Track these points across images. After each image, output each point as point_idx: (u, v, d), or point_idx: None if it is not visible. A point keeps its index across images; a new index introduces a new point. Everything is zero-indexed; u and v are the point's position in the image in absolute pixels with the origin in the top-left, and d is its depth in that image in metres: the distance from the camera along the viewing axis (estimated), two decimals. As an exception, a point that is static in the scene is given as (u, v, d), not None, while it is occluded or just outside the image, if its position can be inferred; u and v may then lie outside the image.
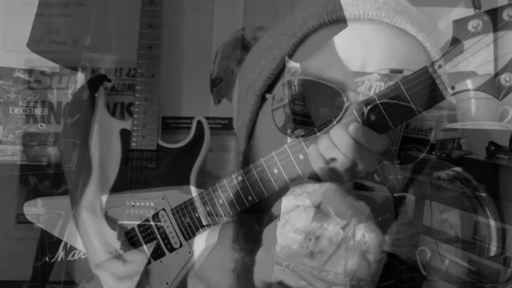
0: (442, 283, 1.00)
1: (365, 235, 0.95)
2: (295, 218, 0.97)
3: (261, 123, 1.13)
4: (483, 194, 1.01)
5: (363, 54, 1.02)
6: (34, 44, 1.59)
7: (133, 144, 1.57)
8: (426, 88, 0.86)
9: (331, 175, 0.95)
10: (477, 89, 0.83)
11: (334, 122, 0.96)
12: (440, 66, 0.85)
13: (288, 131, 1.03)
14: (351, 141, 0.92)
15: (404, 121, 0.94)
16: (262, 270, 1.04)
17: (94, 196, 1.40)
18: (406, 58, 1.02)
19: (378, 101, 0.88)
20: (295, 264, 0.97)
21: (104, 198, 1.30)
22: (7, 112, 1.59)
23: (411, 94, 0.86)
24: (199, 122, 1.60)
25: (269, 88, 1.12)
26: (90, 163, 1.51)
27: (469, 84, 0.84)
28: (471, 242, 0.98)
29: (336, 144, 0.94)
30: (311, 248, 0.96)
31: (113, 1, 1.65)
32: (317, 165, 0.96)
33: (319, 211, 0.96)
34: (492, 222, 0.96)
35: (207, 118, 1.61)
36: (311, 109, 1.04)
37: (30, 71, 1.61)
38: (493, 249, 0.94)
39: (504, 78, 0.81)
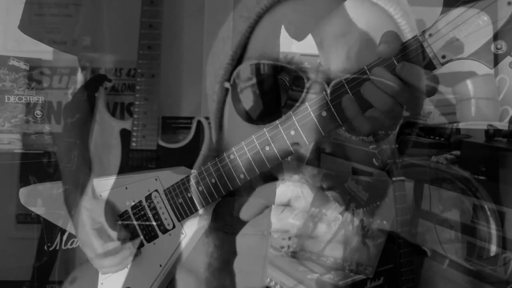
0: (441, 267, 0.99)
1: (363, 220, 0.95)
2: (294, 204, 0.96)
3: (226, 113, 1.12)
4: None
5: (319, 30, 1.00)
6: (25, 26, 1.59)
7: (133, 144, 1.56)
8: (417, 57, 0.85)
9: (372, 123, 0.90)
10: (468, 57, 0.83)
11: (297, 104, 0.95)
12: (430, 35, 0.84)
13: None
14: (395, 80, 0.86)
15: None
16: None
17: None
18: (367, 28, 1.00)
19: (369, 74, 0.87)
20: (294, 249, 0.96)
21: (97, 181, 1.30)
22: (3, 100, 1.59)
23: None
24: (199, 122, 1.60)
25: (231, 75, 1.10)
26: (90, 163, 1.51)
27: (461, 54, 0.83)
28: (470, 225, 0.97)
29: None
30: (310, 233, 0.96)
31: (113, 1, 1.65)
32: (353, 114, 0.91)
33: (318, 196, 0.95)
34: (490, 206, 0.96)
35: (207, 118, 1.61)
36: (274, 92, 1.02)
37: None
38: (493, 234, 0.94)
39: (495, 45, 0.81)
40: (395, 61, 0.84)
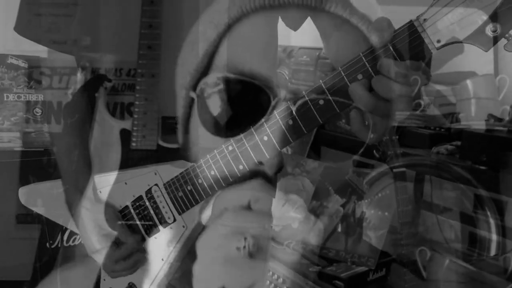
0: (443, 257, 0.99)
1: (365, 212, 0.95)
2: (295, 197, 0.96)
3: (192, 121, 1.12)
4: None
5: (319, 18, 0.99)
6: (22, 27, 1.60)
7: (133, 144, 1.56)
8: (412, 42, 0.86)
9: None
10: (463, 41, 0.83)
11: (263, 121, 0.96)
12: (425, 20, 0.85)
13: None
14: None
15: None
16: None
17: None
18: (339, 43, 0.99)
19: (364, 60, 0.87)
20: (296, 243, 0.96)
21: (97, 177, 1.30)
22: (2, 99, 1.60)
23: (398, 50, 0.85)
24: (199, 122, 1.59)
25: (197, 83, 1.08)
26: (90, 164, 1.51)
27: (456, 37, 0.83)
28: (472, 216, 0.97)
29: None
30: (311, 226, 0.96)
31: (113, 1, 1.65)
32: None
33: (318, 190, 0.95)
34: (490, 196, 0.96)
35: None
36: (239, 107, 1.02)
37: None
38: (493, 223, 0.94)
39: (490, 28, 0.81)
40: (390, 47, 0.85)
